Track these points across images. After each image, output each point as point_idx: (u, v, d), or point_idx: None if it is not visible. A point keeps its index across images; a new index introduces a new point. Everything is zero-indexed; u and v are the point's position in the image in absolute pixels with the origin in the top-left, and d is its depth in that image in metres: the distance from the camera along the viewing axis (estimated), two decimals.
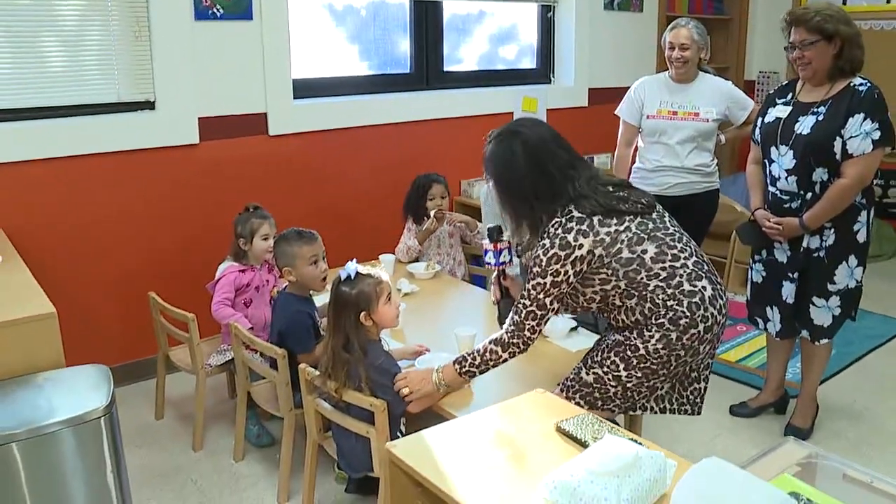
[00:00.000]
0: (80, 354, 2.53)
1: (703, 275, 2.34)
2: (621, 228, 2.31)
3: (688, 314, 2.28)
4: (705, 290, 2.32)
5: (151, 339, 3.53)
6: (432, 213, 3.90)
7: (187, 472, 3.16)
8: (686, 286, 2.30)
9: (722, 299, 2.37)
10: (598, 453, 1.47)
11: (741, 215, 4.62)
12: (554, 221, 2.34)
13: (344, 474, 2.94)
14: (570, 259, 2.28)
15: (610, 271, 2.30)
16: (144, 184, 3.74)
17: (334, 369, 2.49)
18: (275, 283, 3.46)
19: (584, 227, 2.30)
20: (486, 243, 2.62)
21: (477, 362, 2.42)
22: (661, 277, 2.30)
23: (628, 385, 2.37)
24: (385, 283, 2.59)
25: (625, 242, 2.30)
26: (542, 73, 5.55)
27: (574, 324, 3.05)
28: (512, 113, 5.10)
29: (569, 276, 2.30)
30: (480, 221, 4.10)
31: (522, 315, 2.35)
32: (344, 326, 2.51)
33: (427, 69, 4.90)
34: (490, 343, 2.42)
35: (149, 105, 3.72)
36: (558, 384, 2.50)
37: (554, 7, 5.44)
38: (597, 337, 2.79)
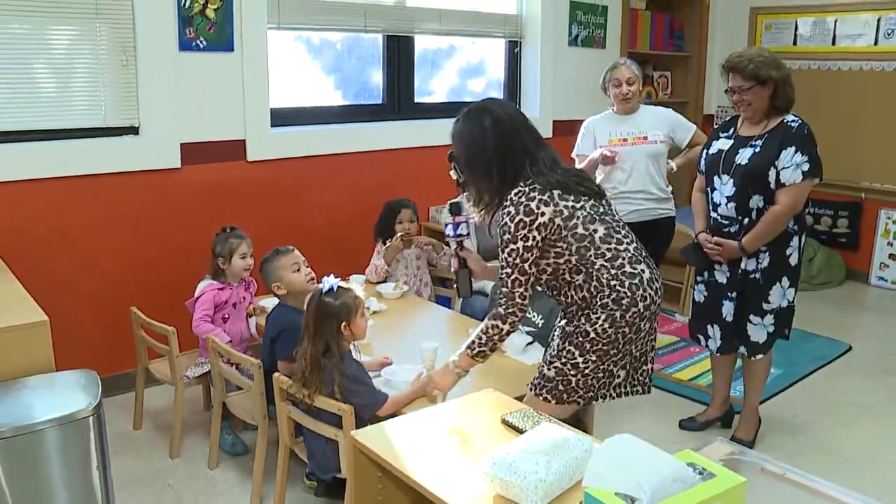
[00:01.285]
0: (61, 367, 2.69)
1: (642, 259, 2.59)
2: (577, 206, 2.53)
3: (629, 294, 2.51)
4: (644, 272, 2.56)
5: (130, 354, 3.71)
6: (398, 235, 4.12)
7: (164, 478, 3.33)
8: (627, 268, 2.53)
9: (658, 282, 2.62)
10: (533, 436, 1.70)
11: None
12: (517, 191, 2.52)
13: (314, 482, 3.14)
14: (535, 225, 2.47)
15: (564, 245, 2.51)
16: (128, 205, 3.93)
17: (311, 374, 2.69)
18: (251, 301, 3.67)
19: (545, 197, 2.49)
20: (446, 215, 2.83)
21: (483, 341, 2.58)
22: (606, 258, 2.52)
23: (586, 371, 2.58)
24: (360, 298, 2.82)
25: (580, 219, 2.52)
26: None
27: (530, 339, 3.28)
28: None
29: (537, 241, 2.48)
30: (447, 245, 4.31)
31: (509, 285, 2.53)
32: (325, 334, 2.71)
33: (399, 100, 5.14)
34: (489, 321, 2.57)
35: (133, 130, 3.92)
36: (527, 384, 2.71)
37: (520, 43, 5.72)
38: None
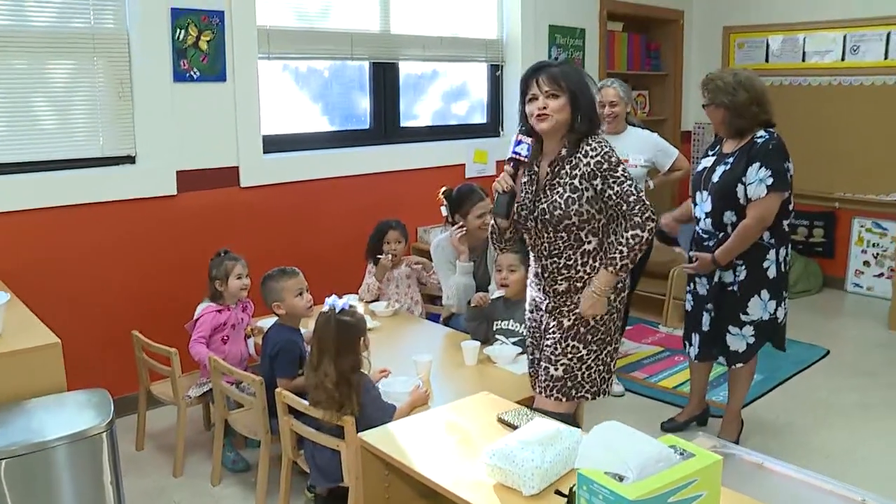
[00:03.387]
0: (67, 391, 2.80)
1: None
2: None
3: (623, 282, 2.77)
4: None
5: (130, 378, 3.81)
6: (385, 255, 4.25)
7: (170, 495, 3.43)
8: None
9: (628, 277, 2.86)
10: (528, 429, 1.85)
11: (676, 255, 5.06)
12: (601, 140, 2.72)
13: (313, 495, 3.25)
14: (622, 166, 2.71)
15: (607, 201, 2.68)
16: (127, 232, 4.04)
17: (341, 394, 2.77)
18: (248, 321, 3.79)
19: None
20: (518, 134, 2.75)
21: (625, 252, 2.65)
22: (617, 238, 2.70)
23: (589, 363, 2.77)
24: (364, 321, 2.99)
25: None
26: (492, 127, 5.98)
27: (519, 350, 3.42)
28: (464, 164, 5.53)
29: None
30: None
31: (635, 192, 2.67)
32: (351, 352, 2.83)
33: (385, 125, 5.30)
34: (628, 234, 2.65)
35: (130, 160, 4.06)
36: (537, 390, 2.88)
37: (502, 66, 5.90)
38: None
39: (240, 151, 4.37)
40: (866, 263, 6.40)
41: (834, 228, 6.53)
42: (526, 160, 2.70)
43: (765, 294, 3.52)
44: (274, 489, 3.22)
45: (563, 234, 2.74)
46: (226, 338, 3.64)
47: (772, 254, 3.50)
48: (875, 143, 6.20)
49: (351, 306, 2.93)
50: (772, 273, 3.51)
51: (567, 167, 2.71)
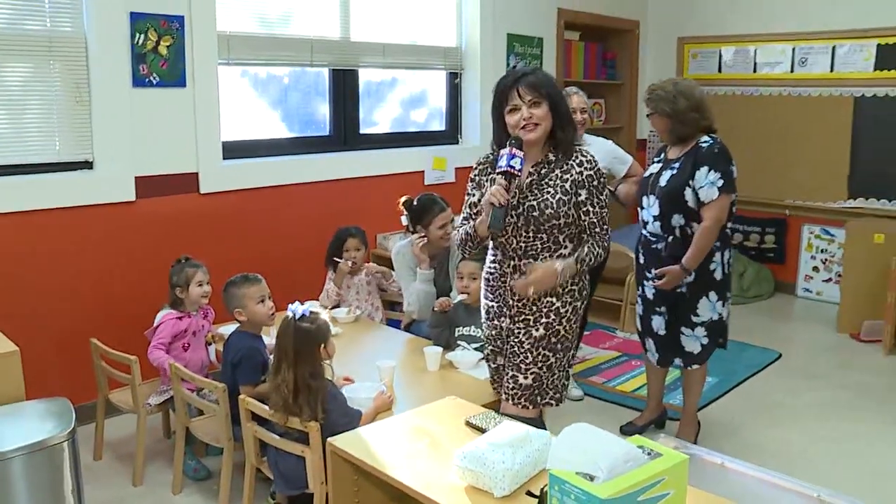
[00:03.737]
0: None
1: None
2: None
3: (587, 288, 2.89)
4: (587, 276, 2.92)
5: (87, 386, 3.75)
6: (344, 261, 4.25)
7: None
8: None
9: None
10: (497, 432, 1.87)
11: (632, 261, 5.14)
12: (592, 154, 2.84)
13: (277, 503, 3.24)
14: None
15: (582, 214, 2.78)
16: (84, 238, 3.98)
17: (299, 400, 2.77)
18: (209, 328, 3.76)
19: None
20: (510, 148, 2.71)
21: (590, 259, 2.79)
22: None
23: (555, 370, 2.84)
24: (328, 326, 2.97)
25: None
26: (451, 134, 6.02)
27: (481, 355, 3.44)
28: (423, 171, 5.56)
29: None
30: (393, 271, 4.41)
31: (608, 222, 2.83)
32: (309, 358, 2.82)
33: (345, 131, 5.30)
34: (596, 248, 2.80)
35: (87, 165, 4.00)
36: (503, 396, 2.92)
37: (461, 74, 5.94)
38: None
39: (199, 157, 4.34)
40: (815, 269, 6.57)
41: (785, 235, 6.69)
42: (519, 174, 2.70)
43: (712, 295, 3.63)
44: (236, 497, 3.21)
45: (543, 236, 2.78)
46: (186, 345, 3.61)
47: (717, 256, 3.62)
48: (822, 152, 6.38)
49: (313, 313, 2.91)
50: (718, 275, 3.63)
51: (558, 171, 2.78)
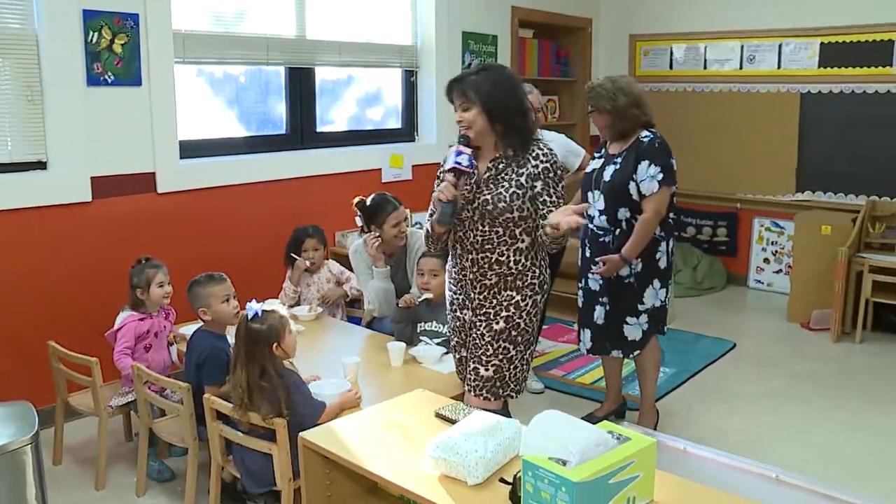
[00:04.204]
0: None
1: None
2: None
3: (547, 282, 2.93)
4: (548, 270, 2.97)
5: (45, 390, 3.69)
6: (301, 259, 4.27)
7: None
8: (547, 259, 2.94)
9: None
10: (468, 422, 1.91)
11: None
12: (550, 148, 2.88)
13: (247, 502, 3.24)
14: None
15: (539, 205, 2.81)
16: (40, 240, 3.91)
17: (251, 399, 2.78)
18: (171, 329, 3.73)
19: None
20: (457, 146, 2.80)
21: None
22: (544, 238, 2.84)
23: (516, 362, 2.88)
24: (286, 316, 2.94)
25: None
26: (407, 132, 6.04)
27: (444, 350, 3.48)
28: (381, 169, 5.57)
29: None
30: (352, 271, 4.41)
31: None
32: (258, 358, 2.82)
33: (302, 130, 5.28)
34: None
35: (41, 165, 3.93)
36: (466, 388, 2.96)
37: (416, 72, 5.96)
38: None
39: (156, 157, 4.29)
40: (766, 261, 6.74)
41: (736, 228, 6.85)
42: (467, 170, 2.75)
43: (656, 283, 3.74)
44: (202, 497, 3.19)
45: (499, 229, 2.82)
46: (148, 346, 3.57)
47: (662, 245, 3.73)
48: (771, 147, 6.54)
49: (265, 312, 2.87)
50: (662, 264, 3.74)
51: (514, 165, 2.82)
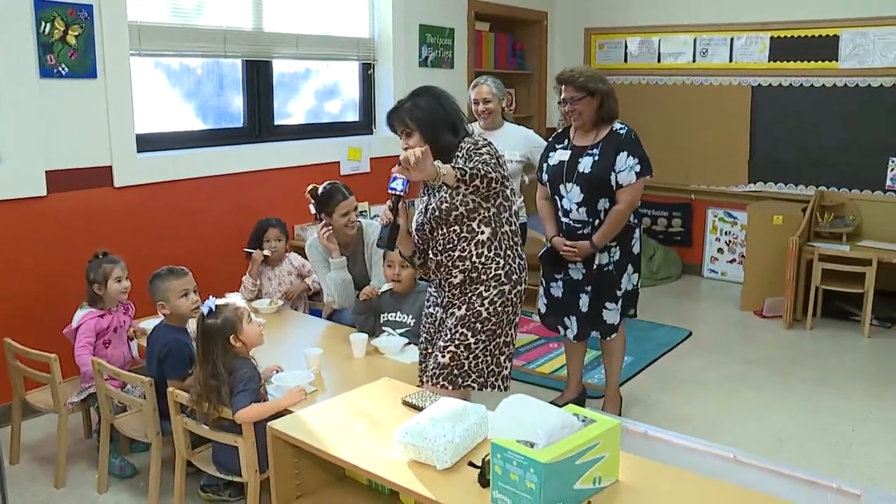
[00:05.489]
0: None
1: (521, 248, 3.00)
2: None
3: (517, 272, 2.92)
4: (523, 259, 2.98)
5: (1, 388, 3.63)
6: (258, 250, 4.28)
7: None
8: (518, 249, 2.95)
9: (526, 272, 3.02)
10: (435, 408, 1.93)
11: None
12: (475, 140, 2.90)
13: (210, 494, 3.23)
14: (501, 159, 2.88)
15: (494, 196, 2.84)
16: None
17: (205, 397, 2.81)
18: (130, 324, 3.70)
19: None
20: (396, 172, 2.79)
21: (469, 167, 2.74)
22: (511, 228, 2.92)
23: (476, 352, 2.88)
24: (242, 307, 2.93)
25: (509, 186, 2.91)
26: (365, 124, 6.03)
27: (406, 340, 3.50)
28: (339, 162, 5.56)
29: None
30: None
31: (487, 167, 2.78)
32: (212, 356, 2.82)
33: (259, 123, 5.25)
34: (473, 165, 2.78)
35: None
36: (422, 378, 2.98)
37: (374, 65, 5.96)
38: None
39: (113, 150, 4.23)
40: (720, 250, 6.88)
41: (691, 218, 6.97)
42: (403, 194, 2.80)
43: (630, 268, 3.85)
44: (166, 492, 3.17)
45: (456, 227, 2.86)
46: (108, 342, 3.54)
47: (636, 233, 3.84)
48: (724, 138, 6.67)
49: (220, 306, 2.87)
50: (636, 249, 3.85)
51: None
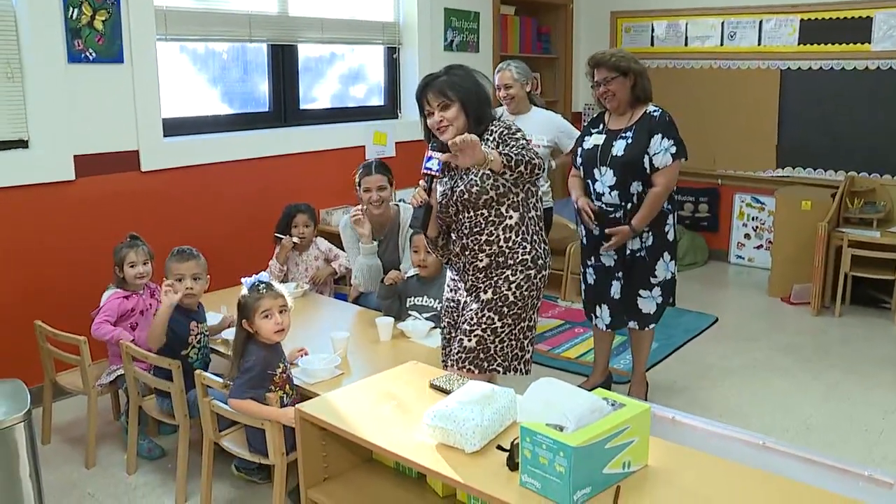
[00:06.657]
0: None
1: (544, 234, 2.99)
2: None
3: (543, 257, 2.90)
4: (547, 244, 2.98)
5: (33, 370, 3.68)
6: (287, 237, 4.26)
7: (83, 487, 3.34)
8: (542, 234, 2.93)
9: (550, 257, 3.01)
10: (464, 391, 1.93)
11: (573, 232, 5.26)
12: (501, 121, 2.90)
13: (242, 474, 3.27)
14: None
15: (522, 181, 2.82)
16: (23, 219, 3.88)
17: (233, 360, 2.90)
18: (156, 306, 3.71)
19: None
20: (428, 151, 2.81)
21: (514, 153, 2.71)
22: (537, 214, 2.91)
23: (503, 336, 2.87)
24: (265, 300, 2.88)
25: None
26: (390, 109, 6.03)
27: (432, 324, 3.50)
28: (364, 146, 5.56)
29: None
30: (341, 248, 4.40)
31: (531, 151, 2.78)
32: (238, 326, 2.91)
33: (285, 107, 5.26)
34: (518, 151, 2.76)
35: (23, 144, 3.89)
36: (445, 363, 2.98)
37: (398, 49, 5.95)
38: None
39: (139, 135, 4.26)
40: (747, 236, 6.81)
41: (717, 204, 6.90)
42: (437, 174, 2.78)
43: (666, 255, 3.80)
44: (194, 473, 3.20)
45: (484, 211, 2.84)
46: (134, 324, 3.57)
47: (670, 218, 3.78)
48: (752, 123, 6.58)
49: (253, 286, 2.92)
50: (671, 236, 3.80)
51: None
